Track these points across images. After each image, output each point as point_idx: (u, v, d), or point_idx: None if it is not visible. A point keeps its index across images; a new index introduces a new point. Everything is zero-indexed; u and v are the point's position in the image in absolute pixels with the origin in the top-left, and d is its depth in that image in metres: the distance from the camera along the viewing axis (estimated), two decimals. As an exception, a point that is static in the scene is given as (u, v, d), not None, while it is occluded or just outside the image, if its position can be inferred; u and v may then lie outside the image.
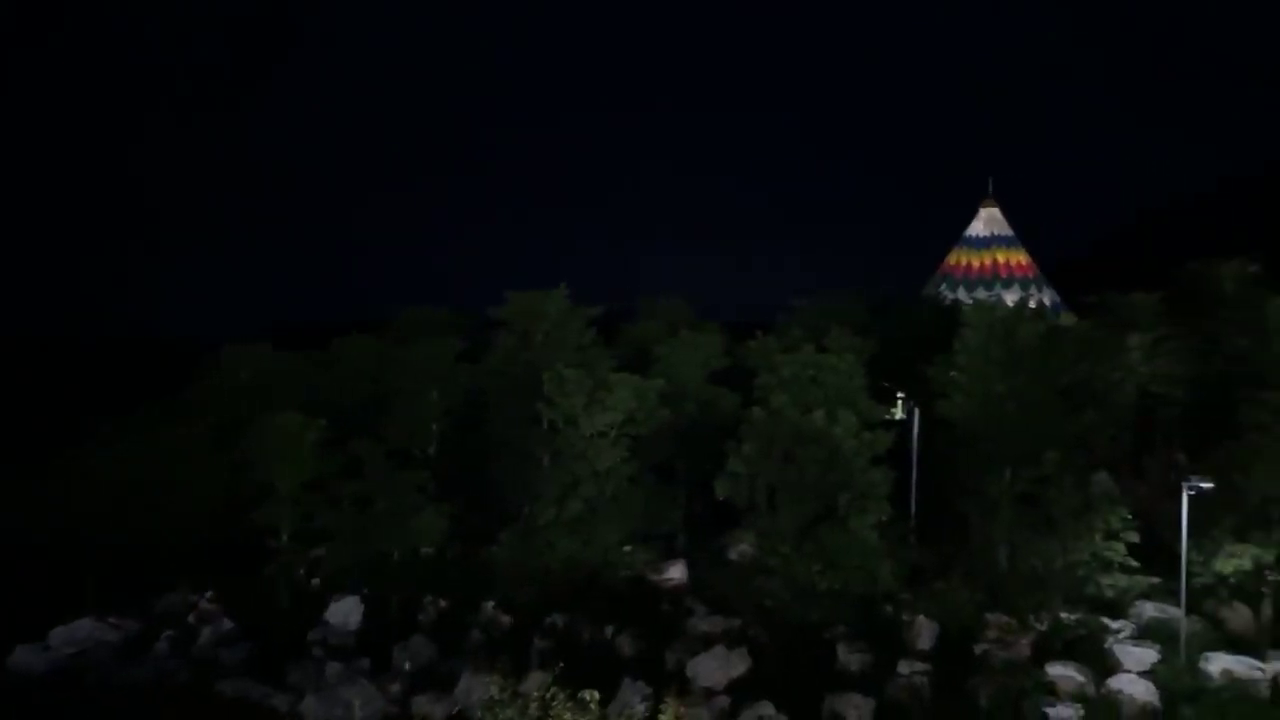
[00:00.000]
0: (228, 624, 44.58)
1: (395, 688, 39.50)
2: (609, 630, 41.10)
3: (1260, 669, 36.62)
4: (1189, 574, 38.86)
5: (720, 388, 49.95)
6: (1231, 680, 36.13)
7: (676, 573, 44.65)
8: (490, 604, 43.26)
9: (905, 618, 40.36)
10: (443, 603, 44.22)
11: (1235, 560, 38.25)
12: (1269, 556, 37.93)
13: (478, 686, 34.27)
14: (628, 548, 42.80)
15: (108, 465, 46.43)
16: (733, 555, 44.26)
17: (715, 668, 38.56)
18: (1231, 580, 38.94)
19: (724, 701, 37.07)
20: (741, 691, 37.26)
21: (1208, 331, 54.95)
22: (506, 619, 42.49)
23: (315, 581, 47.26)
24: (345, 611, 44.34)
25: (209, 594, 46.45)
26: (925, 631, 39.90)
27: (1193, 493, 38.02)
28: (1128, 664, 37.54)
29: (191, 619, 45.29)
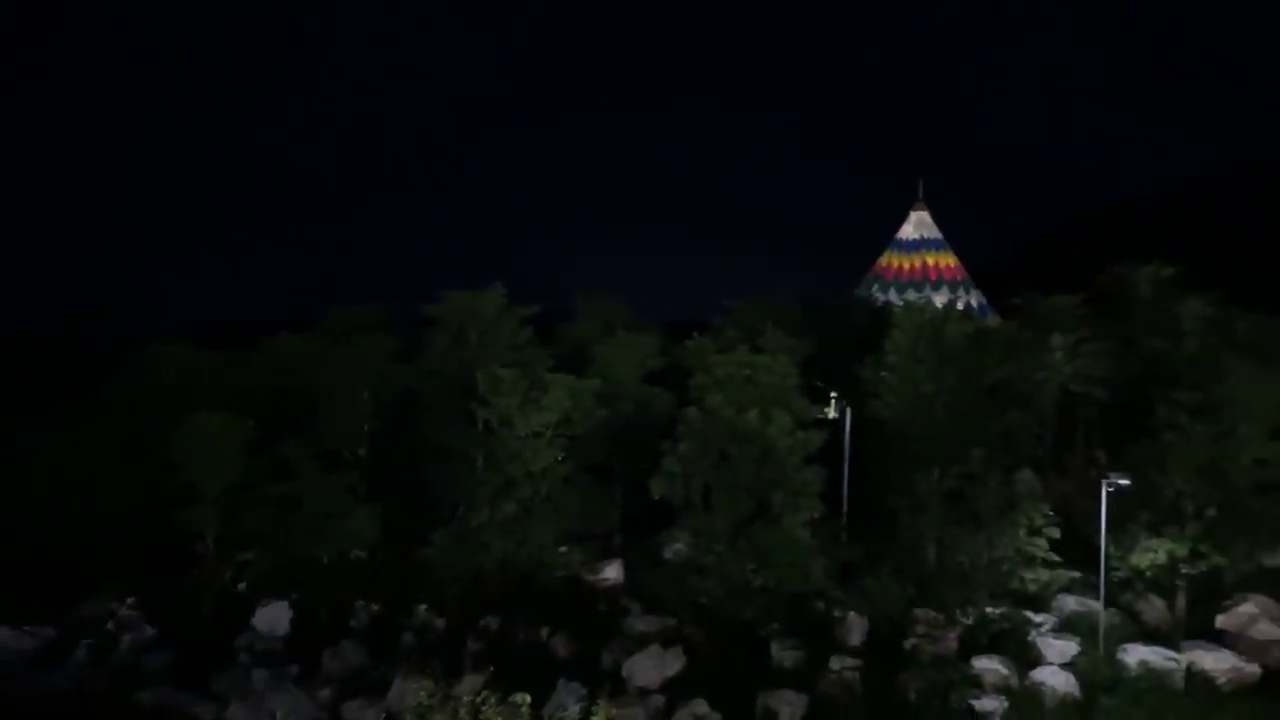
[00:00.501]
0: (149, 631, 43.38)
1: (324, 694, 38.87)
2: (544, 631, 41.00)
3: (1174, 659, 38.04)
4: (1108, 568, 40.20)
5: (656, 388, 50.06)
6: (1147, 671, 37.49)
7: (612, 572, 44.66)
8: (423, 607, 42.79)
9: (837, 614, 41.01)
10: (374, 606, 43.61)
11: (1151, 554, 39.65)
12: (1182, 550, 39.37)
13: (410, 691, 33.80)
14: (563, 548, 42.64)
15: (23, 467, 44.76)
16: (668, 554, 44.41)
17: (650, 667, 38.72)
18: (1147, 574, 40.38)
19: (659, 701, 37.28)
20: (676, 690, 37.55)
21: (1125, 333, 56.81)
22: (440, 622, 42.07)
23: (242, 586, 46.22)
24: (273, 617, 43.48)
25: (130, 600, 45.15)
26: (856, 627, 40.59)
27: (1111, 489, 39.35)
28: (1050, 656, 38.68)
29: (111, 626, 43.96)
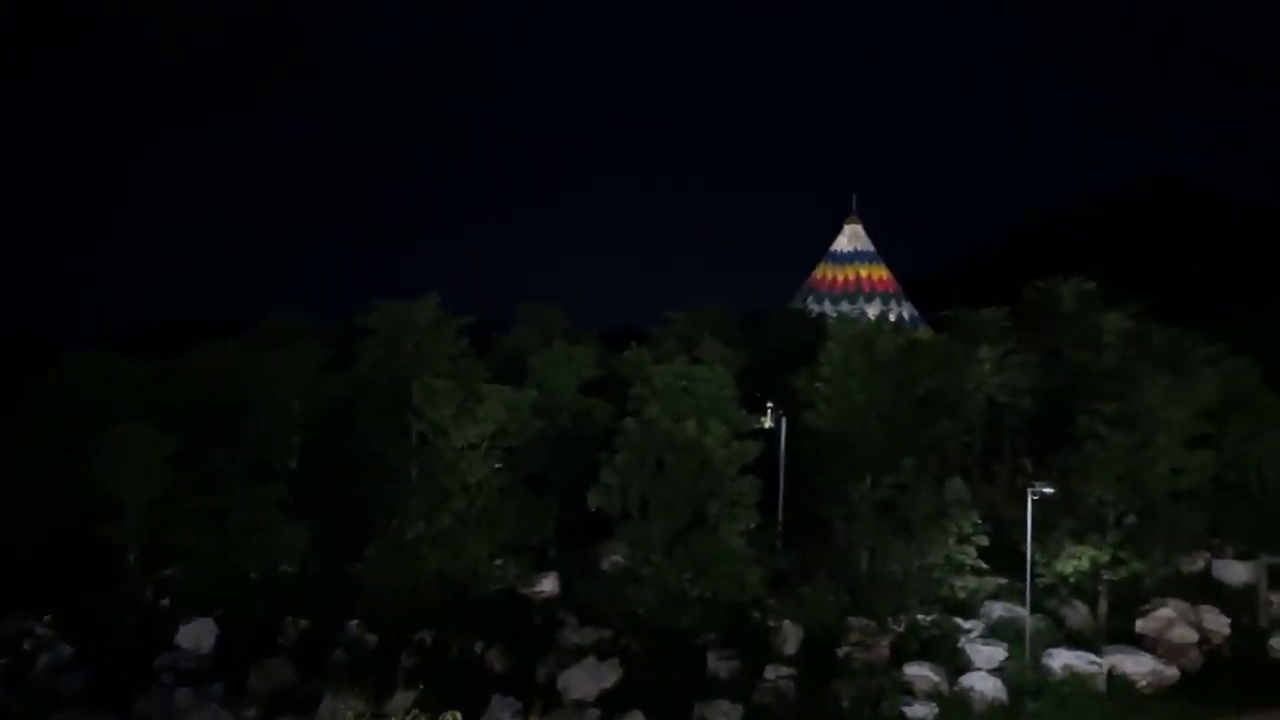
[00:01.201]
0: (67, 650, 41.84)
1: (251, 713, 37.97)
2: (479, 645, 40.54)
3: (1097, 663, 39.18)
4: (1034, 574, 41.24)
5: (594, 399, 49.97)
6: (1071, 675, 38.56)
7: (548, 585, 44.39)
8: (354, 622, 42.00)
9: (772, 623, 41.36)
10: (303, 622, 42.65)
11: (1074, 561, 40.79)
12: (1104, 557, 40.60)
13: (340, 709, 33.26)
14: (498, 561, 42.30)
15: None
16: (605, 566, 44.30)
17: (586, 679, 38.57)
18: (1071, 580, 41.48)
19: (595, 713, 37.17)
20: (612, 702, 37.47)
21: (1050, 345, 58.55)
22: (372, 637, 41.34)
23: (165, 603, 44.83)
24: (197, 634, 42.35)
25: (47, 618, 43.47)
26: (791, 636, 40.99)
27: (1036, 498, 40.43)
28: (978, 662, 39.51)
29: (27, 645, 42.34)
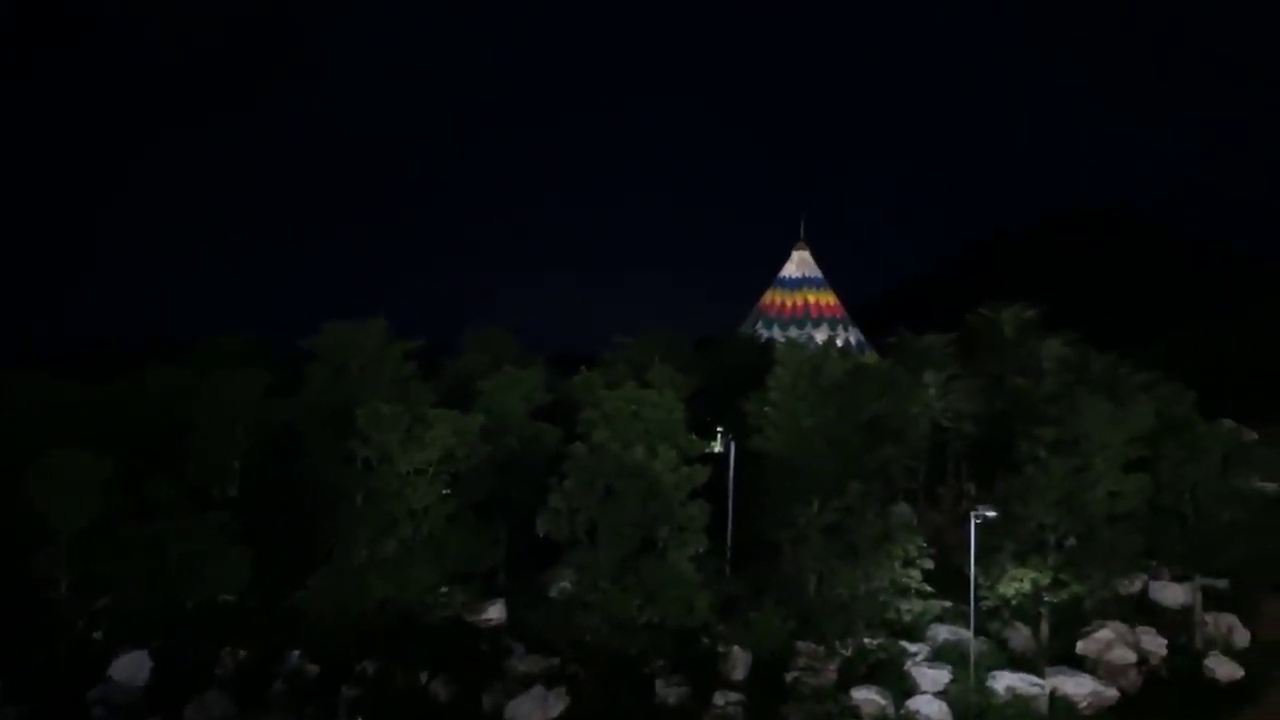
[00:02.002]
0: (-7, 686, 40.25)
1: (187, 748, 36.77)
2: (423, 675, 39.91)
3: (1039, 685, 39.79)
4: (977, 597, 41.81)
5: (543, 423, 49.70)
6: (1015, 697, 39.13)
7: (495, 612, 43.89)
8: (295, 653, 41.13)
9: (721, 649, 41.33)
10: (242, 653, 41.68)
11: (1016, 583, 41.44)
12: (1044, 579, 41.29)
13: (280, 742, 32.36)
14: (444, 588, 41.71)
15: None
16: (553, 592, 43.91)
17: (533, 708, 38.22)
18: (1014, 602, 42.12)
19: (542, 743, 36.68)
20: (560, 731, 36.99)
21: (992, 371, 59.75)
22: (313, 668, 40.50)
23: (98, 634, 43.43)
24: (132, 667, 41.25)
25: (-29, 653, 41.80)
26: (740, 662, 41.00)
27: (979, 521, 41.10)
28: (924, 685, 39.87)
29: (-51, 682, 40.59)
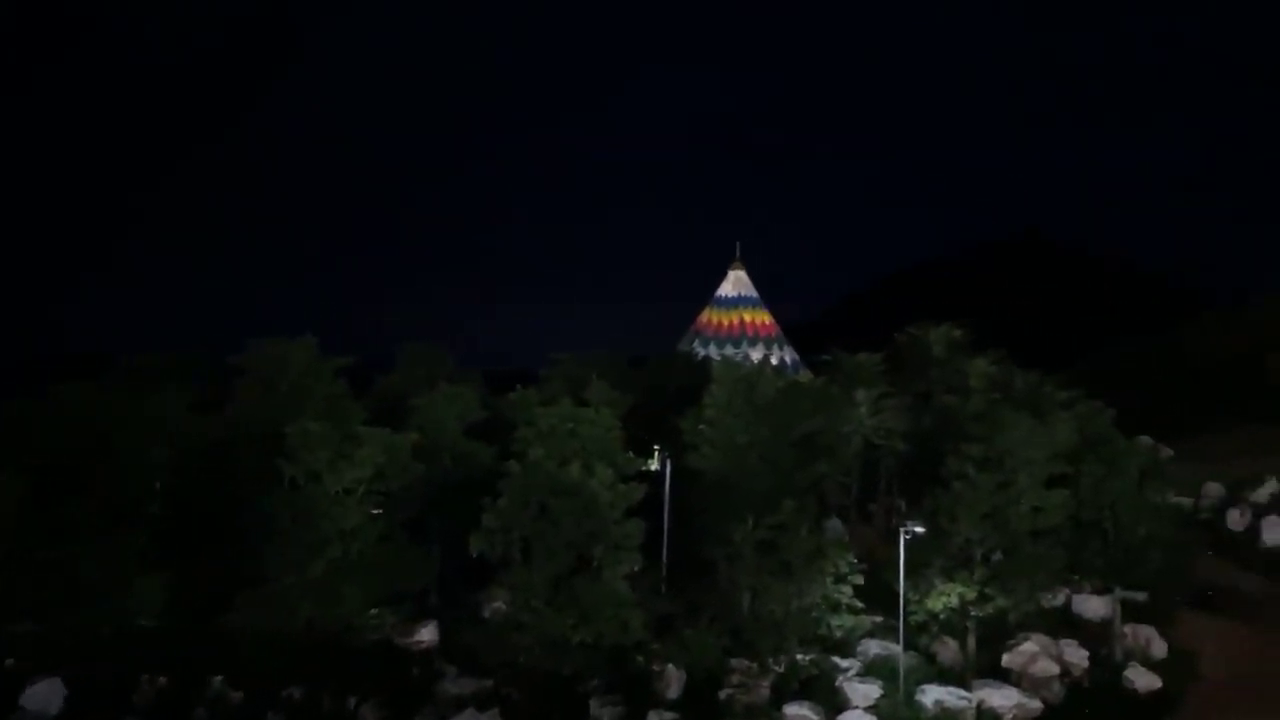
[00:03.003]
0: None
1: (101, 780, 35.33)
2: (352, 700, 39.02)
3: (966, 698, 40.46)
4: (907, 612, 42.44)
5: (478, 441, 49.24)
6: (942, 711, 39.68)
7: (427, 634, 43.15)
8: (218, 678, 39.86)
9: (655, 667, 41.19)
10: (162, 680, 40.23)
11: (944, 598, 42.18)
12: (971, 594, 42.11)
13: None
14: (375, 610, 40.88)
15: None
16: (487, 613, 43.38)
17: (465, 731, 37.49)
18: (941, 616, 42.85)
19: (473, 766, 36.10)
20: (492, 754, 36.45)
21: (922, 389, 61.02)
22: (237, 695, 39.33)
23: (9, 662, 41.55)
24: (45, 695, 39.59)
25: None
26: (674, 680, 40.92)
27: (908, 537, 41.77)
28: (855, 700, 40.24)
29: None
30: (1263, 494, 63.85)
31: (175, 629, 42.61)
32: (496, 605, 42.21)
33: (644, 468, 54.08)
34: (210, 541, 44.51)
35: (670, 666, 41.25)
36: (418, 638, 42.89)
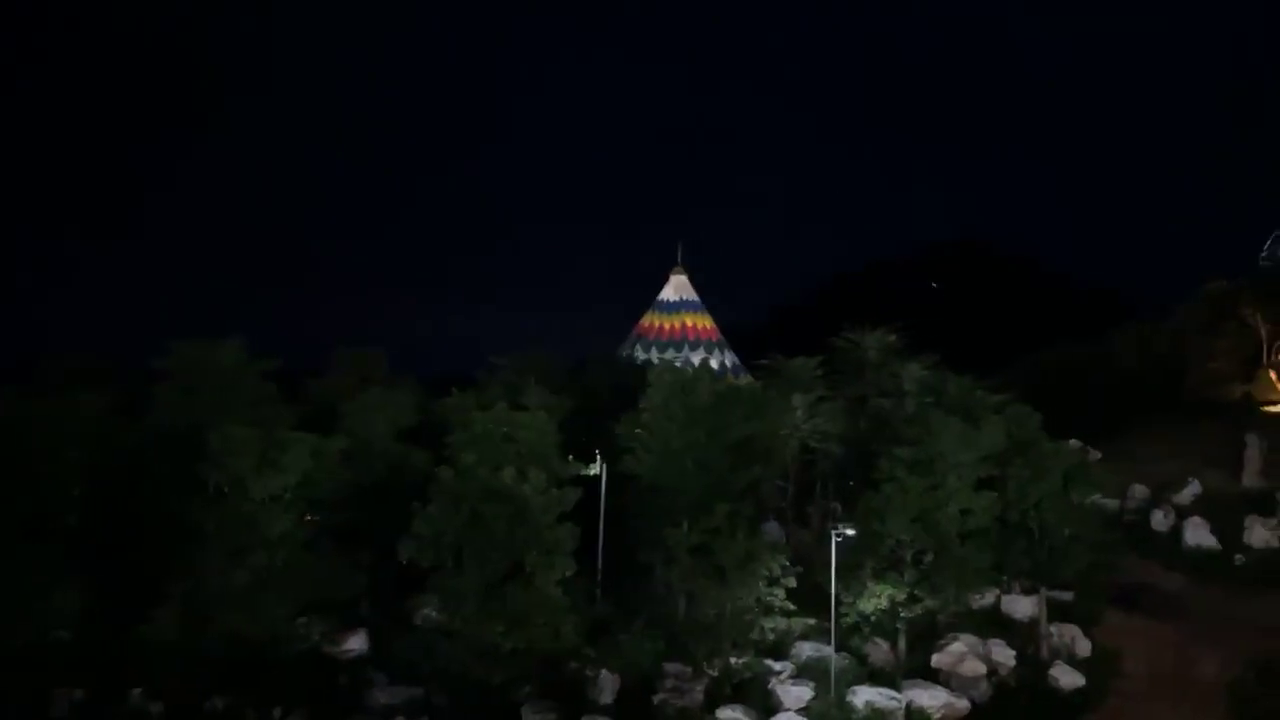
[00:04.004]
0: None
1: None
2: (277, 711, 38.13)
3: (896, 699, 40.90)
4: (838, 614, 42.80)
5: (410, 446, 48.54)
6: (873, 711, 40.07)
7: (356, 643, 42.42)
8: (137, 691, 38.69)
9: (589, 673, 40.96)
10: (78, 693, 38.91)
11: (875, 599, 42.61)
12: (901, 595, 42.61)
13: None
14: (302, 619, 40.01)
15: None
16: (418, 620, 42.76)
17: (393, 741, 36.86)
18: (872, 618, 43.28)
19: (401, 776, 35.52)
20: (420, 764, 35.90)
21: (857, 393, 61.72)
22: (156, 707, 38.18)
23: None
24: (-48, 712, 37.83)
25: None
26: (607, 685, 40.73)
27: (839, 539, 42.14)
28: (787, 703, 40.45)
29: None
30: (1185, 495, 65.76)
31: (93, 640, 41.29)
32: (427, 613, 41.63)
33: (585, 472, 53.83)
34: (130, 550, 43.12)
35: (604, 672, 41.07)
36: (347, 646, 42.16)
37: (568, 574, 40.44)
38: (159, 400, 46.35)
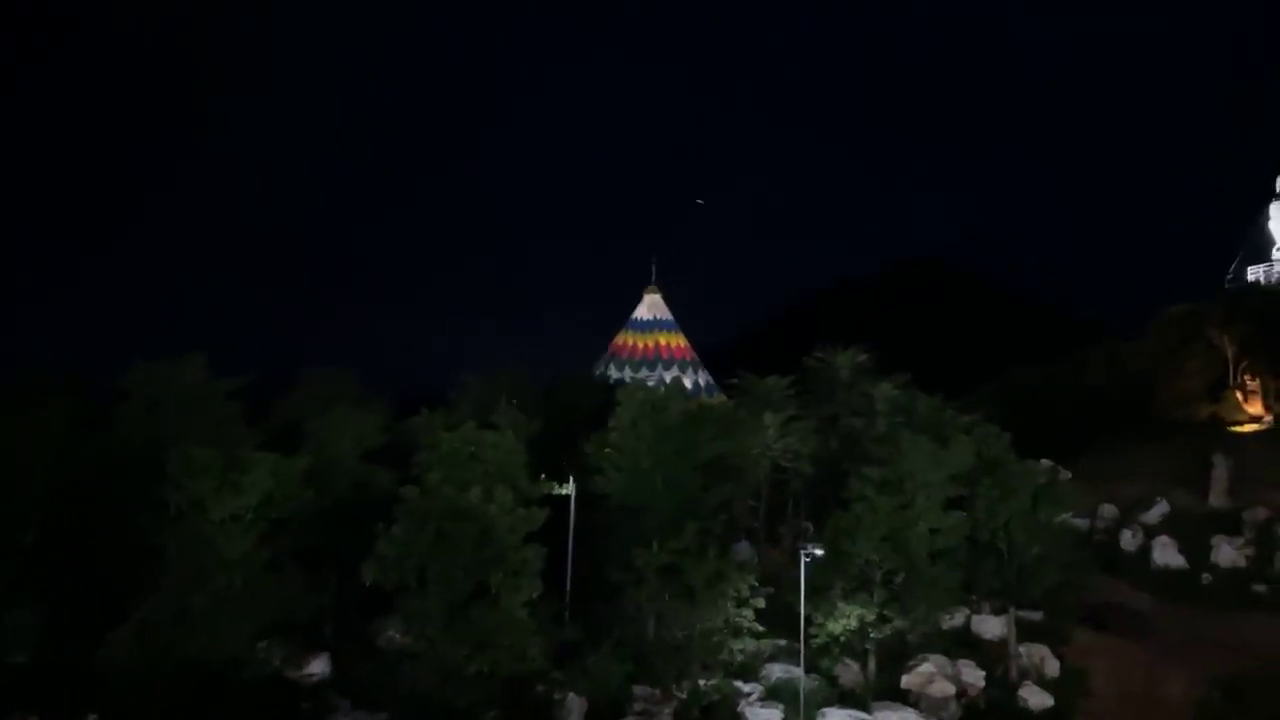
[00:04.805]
0: None
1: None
2: (236, 736, 37.27)
3: (865, 720, 40.62)
4: (808, 635, 42.55)
5: (376, 466, 47.98)
6: (842, 732, 39.71)
7: (319, 666, 41.65)
8: (93, 717, 37.66)
9: (556, 696, 40.41)
10: (33, 718, 37.85)
11: (844, 620, 42.42)
12: (870, 615, 42.44)
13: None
14: (262, 643, 39.25)
15: None
16: (381, 643, 42.09)
17: (354, 767, 36.15)
18: (842, 639, 43.07)
19: (361, 805, 34.81)
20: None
21: (828, 412, 61.80)
22: (111, 733, 37.17)
23: None
24: (-100, 739, 36.78)
25: None
26: (575, 708, 40.20)
27: (808, 559, 41.94)
28: (756, 725, 40.08)
29: None
30: (1153, 515, 66.27)
31: (49, 663, 40.35)
32: (391, 635, 41.00)
33: (557, 492, 53.39)
34: (88, 572, 42.23)
35: (571, 695, 40.53)
36: (309, 670, 41.34)
37: (534, 595, 39.94)
38: (122, 418, 45.58)
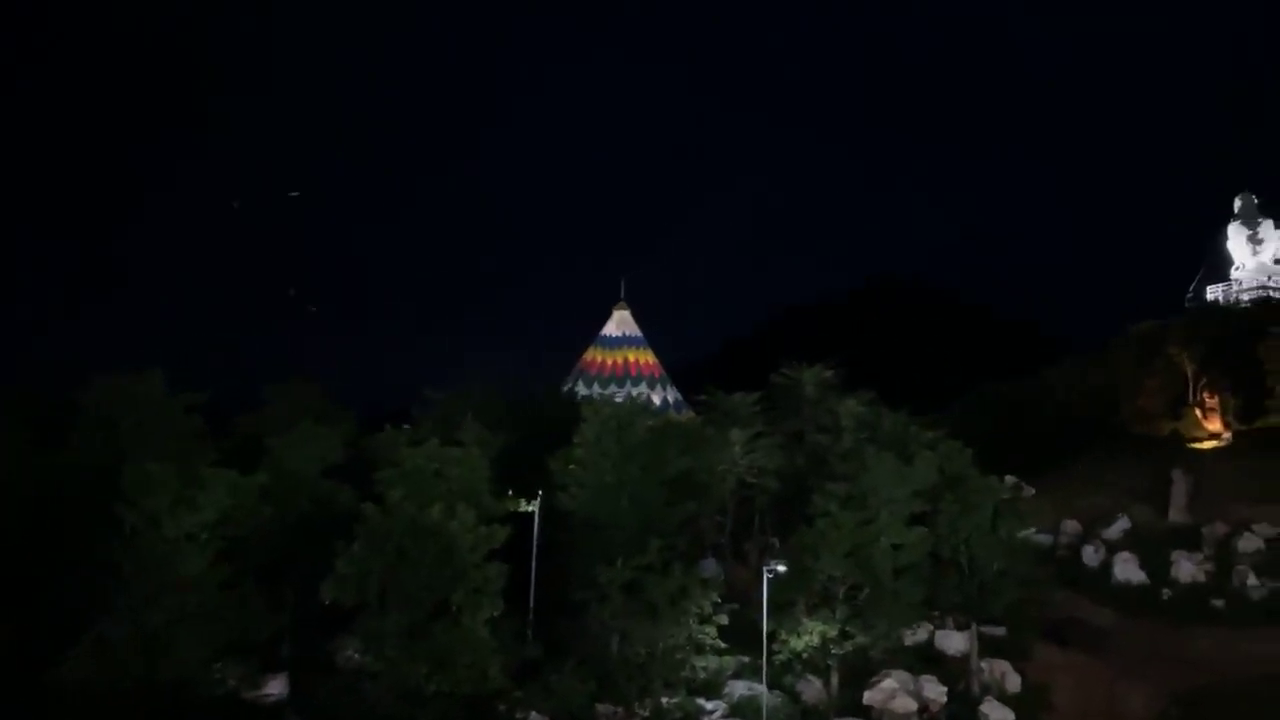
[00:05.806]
0: None
1: None
2: (189, 758, 36.66)
3: (827, 736, 40.62)
4: (771, 651, 42.52)
5: (338, 483, 47.51)
6: (804, 749, 39.67)
7: (276, 687, 41.12)
8: (45, 737, 36.95)
9: (518, 715, 40.10)
10: (-19, 742, 37.13)
11: (807, 636, 42.43)
12: (833, 631, 42.49)
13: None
14: (218, 663, 38.65)
15: None
16: (340, 662, 41.56)
17: (310, 789, 35.61)
18: (804, 655, 43.06)
19: (317, 826, 34.28)
20: (338, 813, 34.71)
21: (794, 429, 62.01)
22: (62, 756, 36.44)
23: None
24: None
25: None
26: (536, 728, 39.85)
27: (771, 575, 41.96)
28: (719, 743, 39.95)
29: None
30: (1114, 531, 67.01)
31: (3, 683, 39.53)
32: (350, 654, 40.51)
33: (523, 509, 53.04)
34: (43, 591, 41.47)
35: (533, 714, 40.26)
36: (266, 691, 40.81)
37: (496, 613, 39.66)
38: (79, 434, 44.91)
